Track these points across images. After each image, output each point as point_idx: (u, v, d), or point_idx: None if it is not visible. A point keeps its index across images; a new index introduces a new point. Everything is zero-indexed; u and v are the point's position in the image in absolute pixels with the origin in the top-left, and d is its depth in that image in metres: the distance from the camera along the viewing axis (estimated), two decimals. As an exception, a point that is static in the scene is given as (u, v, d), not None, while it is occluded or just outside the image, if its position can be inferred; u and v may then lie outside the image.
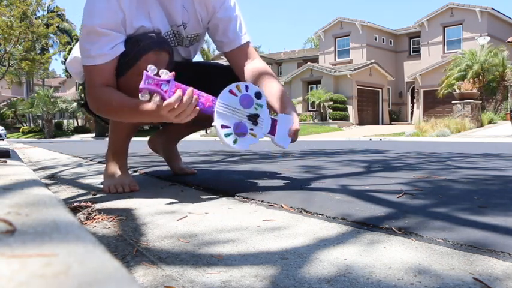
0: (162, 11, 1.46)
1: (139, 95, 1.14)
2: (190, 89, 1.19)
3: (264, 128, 1.33)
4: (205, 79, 1.73)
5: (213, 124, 1.25)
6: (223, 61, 1.76)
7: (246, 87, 1.31)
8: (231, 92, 1.27)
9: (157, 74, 1.15)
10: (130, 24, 1.37)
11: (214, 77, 1.73)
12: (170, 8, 1.47)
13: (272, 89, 1.46)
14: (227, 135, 1.25)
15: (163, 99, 1.16)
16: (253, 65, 1.57)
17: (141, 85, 1.12)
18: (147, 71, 1.13)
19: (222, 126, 1.25)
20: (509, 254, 0.72)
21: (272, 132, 1.35)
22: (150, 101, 1.17)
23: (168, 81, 1.15)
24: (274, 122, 1.35)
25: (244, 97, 1.29)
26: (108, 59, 1.35)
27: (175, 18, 1.50)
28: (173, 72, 1.18)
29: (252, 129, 1.30)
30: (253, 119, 1.30)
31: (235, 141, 1.26)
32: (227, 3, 1.55)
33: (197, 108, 1.22)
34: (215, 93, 1.27)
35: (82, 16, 1.35)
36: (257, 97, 1.32)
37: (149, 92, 1.14)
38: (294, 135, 1.40)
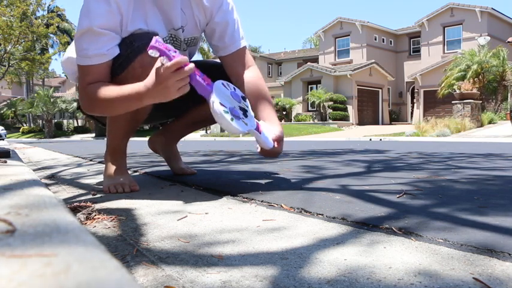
0: (160, 16, 1.46)
1: (149, 52, 1.16)
2: (192, 64, 1.20)
3: (252, 121, 1.36)
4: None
5: (210, 100, 1.25)
6: None
7: (234, 88, 1.37)
8: (223, 84, 1.32)
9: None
10: (125, 27, 1.37)
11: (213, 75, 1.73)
12: (170, 12, 1.46)
13: (266, 112, 1.52)
14: (226, 112, 1.26)
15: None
16: (248, 77, 1.58)
17: (152, 44, 1.15)
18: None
19: (221, 104, 1.26)
20: (509, 254, 0.72)
21: (258, 130, 1.38)
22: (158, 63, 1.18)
23: (175, 51, 1.19)
24: (258, 125, 1.40)
25: (234, 93, 1.35)
26: (105, 59, 1.34)
27: (175, 21, 1.49)
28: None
29: (243, 118, 1.32)
30: (243, 110, 1.34)
31: (232, 119, 1.27)
32: (224, 7, 1.55)
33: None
34: None
35: (79, 17, 1.34)
36: (243, 99, 1.38)
37: (158, 51, 1.16)
38: (277, 140, 1.43)
